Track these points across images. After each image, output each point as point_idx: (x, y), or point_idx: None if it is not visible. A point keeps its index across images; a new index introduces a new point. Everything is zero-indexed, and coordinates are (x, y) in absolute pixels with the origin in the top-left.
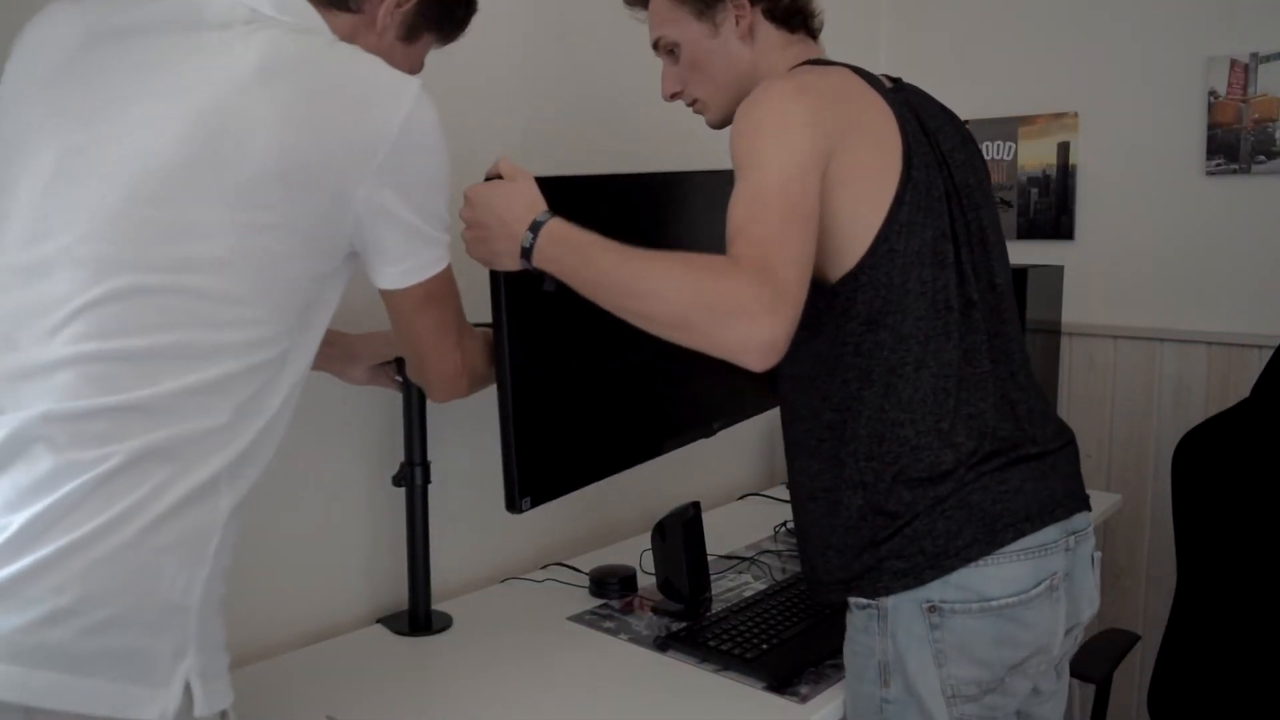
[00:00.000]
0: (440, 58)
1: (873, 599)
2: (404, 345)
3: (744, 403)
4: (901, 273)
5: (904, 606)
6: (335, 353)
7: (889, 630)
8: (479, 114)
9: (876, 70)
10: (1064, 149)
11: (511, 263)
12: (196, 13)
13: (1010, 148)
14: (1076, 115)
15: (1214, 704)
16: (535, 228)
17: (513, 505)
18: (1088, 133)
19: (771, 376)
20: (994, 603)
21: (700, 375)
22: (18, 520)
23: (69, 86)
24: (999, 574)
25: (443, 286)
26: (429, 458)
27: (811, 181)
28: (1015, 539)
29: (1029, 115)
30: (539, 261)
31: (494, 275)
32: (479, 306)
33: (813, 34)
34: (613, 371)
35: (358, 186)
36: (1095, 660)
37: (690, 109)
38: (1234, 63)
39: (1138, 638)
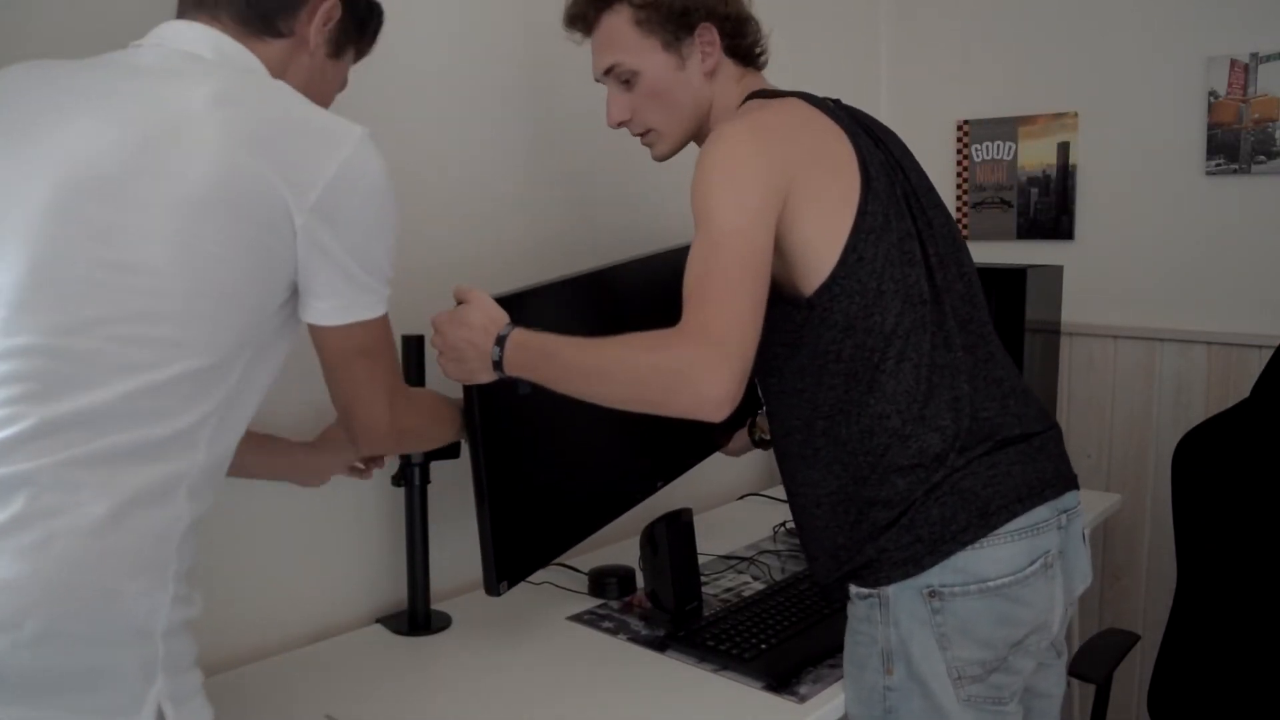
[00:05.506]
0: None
1: (874, 588)
2: (333, 396)
3: (682, 463)
4: (874, 277)
5: (905, 593)
6: (296, 461)
7: (891, 618)
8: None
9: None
10: (1064, 149)
11: (487, 376)
12: (131, 62)
13: (1010, 148)
14: (1076, 115)
15: (1214, 704)
16: (500, 341)
17: (492, 589)
18: (1088, 133)
19: (718, 428)
20: (991, 583)
21: (643, 448)
22: None
23: None
24: (994, 555)
25: (376, 341)
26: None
27: (761, 229)
28: (1008, 520)
29: (1029, 115)
30: (510, 369)
31: (467, 389)
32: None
33: (760, 66)
34: (571, 461)
35: (296, 215)
36: (1095, 660)
37: (640, 139)
38: (1234, 63)
39: (1138, 638)
